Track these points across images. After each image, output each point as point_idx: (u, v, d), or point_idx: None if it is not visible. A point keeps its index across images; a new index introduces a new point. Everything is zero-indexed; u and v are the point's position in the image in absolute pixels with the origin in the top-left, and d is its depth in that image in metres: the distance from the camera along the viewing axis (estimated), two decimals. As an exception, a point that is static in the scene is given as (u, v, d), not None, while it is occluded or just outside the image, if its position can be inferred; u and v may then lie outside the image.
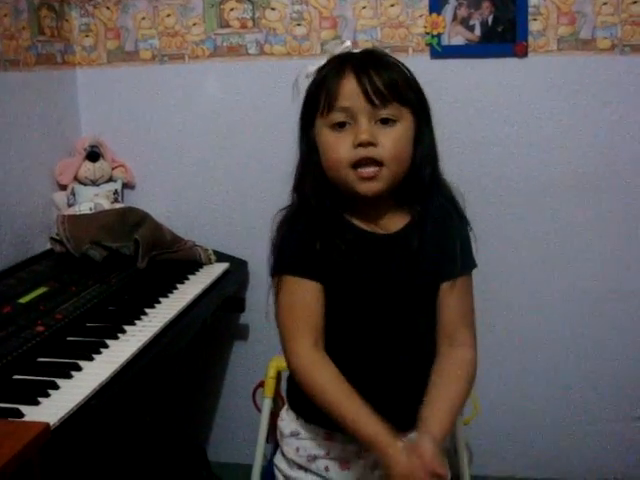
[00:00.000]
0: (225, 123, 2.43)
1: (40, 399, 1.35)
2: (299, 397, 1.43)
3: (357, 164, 1.27)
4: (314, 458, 1.41)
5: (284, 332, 1.35)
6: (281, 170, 2.37)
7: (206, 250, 2.34)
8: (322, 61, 1.36)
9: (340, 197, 1.34)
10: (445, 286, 1.36)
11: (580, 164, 2.30)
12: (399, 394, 1.34)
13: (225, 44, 2.39)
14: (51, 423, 1.24)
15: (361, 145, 1.26)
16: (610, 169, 2.29)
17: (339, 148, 1.28)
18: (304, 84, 1.38)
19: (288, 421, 1.47)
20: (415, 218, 1.35)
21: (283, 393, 2.31)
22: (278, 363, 2.21)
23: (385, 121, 1.28)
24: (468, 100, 2.26)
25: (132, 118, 2.48)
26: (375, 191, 1.29)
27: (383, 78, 1.27)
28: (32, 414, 1.29)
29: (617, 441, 2.49)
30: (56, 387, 1.41)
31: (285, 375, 2.25)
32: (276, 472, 1.49)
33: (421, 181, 1.33)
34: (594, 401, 2.47)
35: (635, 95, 2.23)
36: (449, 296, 1.36)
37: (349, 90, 1.27)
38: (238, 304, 2.41)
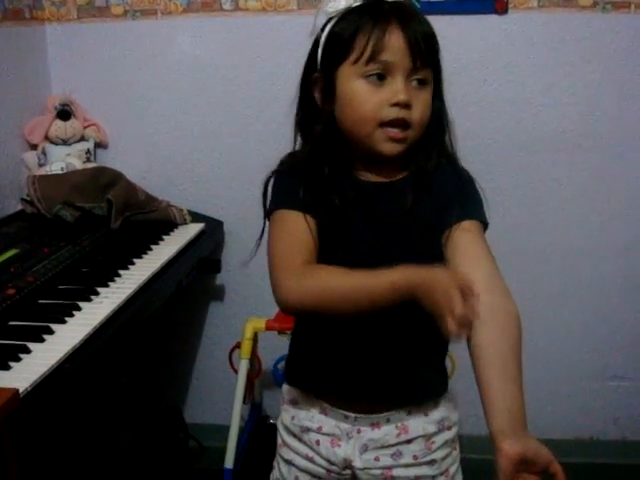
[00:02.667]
0: (199, 80, 2.39)
1: (11, 364, 1.32)
2: (295, 365, 1.42)
3: (386, 123, 1.21)
4: (307, 430, 1.39)
5: (272, 262, 1.24)
6: (257, 128, 2.37)
7: (181, 210, 2.31)
8: (343, 1, 1.24)
9: (346, 150, 1.28)
10: (458, 229, 1.24)
11: (560, 122, 2.28)
12: (387, 355, 1.30)
13: (199, -1, 2.33)
14: (23, 388, 1.22)
15: (398, 105, 1.19)
16: (590, 127, 2.28)
17: (372, 103, 1.20)
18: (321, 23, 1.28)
19: (289, 387, 1.44)
20: (413, 171, 1.29)
21: (260, 354, 2.32)
22: (255, 324, 2.20)
23: (420, 82, 1.22)
24: (447, 58, 2.21)
25: (104, 76, 2.43)
26: (397, 152, 1.23)
27: (426, 34, 1.22)
28: (3, 379, 1.26)
29: (593, 400, 2.51)
30: (28, 351, 1.38)
31: (261, 336, 2.26)
32: (277, 433, 1.48)
33: (426, 142, 1.27)
34: (570, 361, 2.50)
35: (616, 53, 2.21)
36: (471, 235, 1.25)
37: (395, 43, 1.18)
38: (214, 265, 2.39)
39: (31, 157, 2.33)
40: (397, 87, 1.19)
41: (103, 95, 2.44)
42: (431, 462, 1.37)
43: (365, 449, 1.35)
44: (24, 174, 2.28)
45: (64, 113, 2.35)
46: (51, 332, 1.46)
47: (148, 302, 1.78)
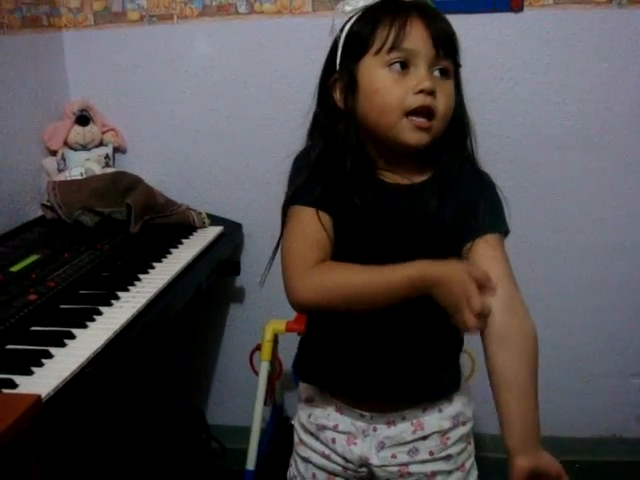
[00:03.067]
0: (216, 84, 2.40)
1: (34, 369, 1.33)
2: (309, 363, 1.42)
3: (411, 112, 1.20)
4: (323, 428, 1.40)
5: (286, 260, 1.24)
6: (274, 131, 2.37)
7: (200, 213, 2.32)
8: (362, 2, 1.26)
9: (367, 150, 1.28)
10: (480, 243, 1.23)
11: (576, 120, 2.26)
12: (401, 353, 1.31)
13: (214, 3, 2.33)
14: (46, 393, 1.23)
15: (423, 92, 1.18)
16: (606, 125, 2.26)
17: (396, 92, 1.20)
18: (339, 23, 1.29)
19: (306, 386, 1.45)
20: (436, 173, 1.28)
21: (280, 356, 2.32)
22: (275, 326, 2.20)
23: (443, 72, 1.23)
24: (463, 57, 2.22)
25: (121, 81, 2.44)
26: (424, 143, 1.22)
27: (446, 29, 1.23)
28: (26, 384, 1.28)
29: (615, 398, 2.50)
30: (50, 356, 1.39)
31: (282, 337, 2.26)
32: (294, 432, 1.50)
33: (448, 142, 1.27)
34: (592, 358, 2.48)
35: (632, 50, 2.19)
36: (492, 250, 1.23)
37: (417, 33, 1.19)
38: (233, 267, 2.40)
39: (50, 163, 2.34)
40: (421, 74, 1.20)
41: (121, 100, 2.46)
42: (447, 457, 1.38)
43: (382, 447, 1.36)
44: (44, 180, 2.29)
45: (83, 119, 2.36)
46: (73, 337, 1.48)
47: (168, 306, 1.79)
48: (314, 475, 1.45)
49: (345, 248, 1.26)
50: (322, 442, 1.41)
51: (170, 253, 2.05)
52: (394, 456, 1.37)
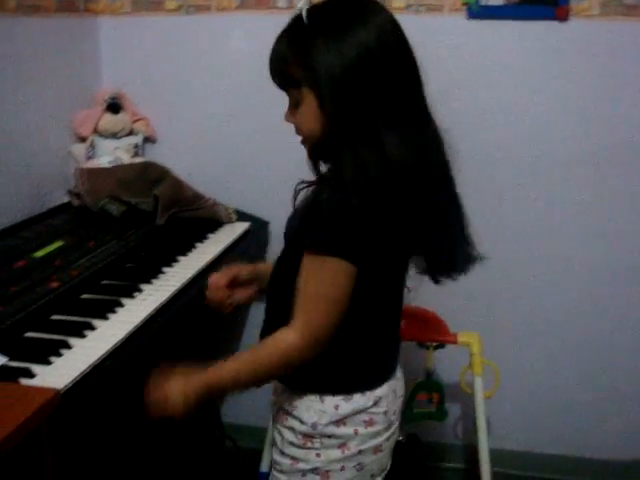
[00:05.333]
0: (251, 78, 2.34)
1: (52, 359, 1.32)
2: None
3: None
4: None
5: None
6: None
7: (227, 209, 2.29)
8: None
9: None
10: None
11: (622, 134, 2.20)
12: None
13: (253, -4, 2.31)
14: (63, 384, 1.22)
15: None
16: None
17: None
18: None
19: None
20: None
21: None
22: (296, 326, 2.17)
23: (291, 102, 1.33)
24: (505, 64, 2.17)
25: (155, 70, 2.42)
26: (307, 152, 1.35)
27: (272, 61, 1.35)
28: (44, 374, 1.26)
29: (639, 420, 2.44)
30: (69, 347, 1.37)
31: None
32: None
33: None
34: (617, 379, 2.42)
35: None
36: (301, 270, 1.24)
37: None
38: (258, 265, 2.36)
39: (79, 150, 2.32)
40: None
41: (153, 90, 2.43)
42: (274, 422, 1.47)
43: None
44: (72, 166, 2.27)
45: (115, 106, 2.34)
46: (93, 328, 1.46)
47: (191, 301, 1.76)
48: None
49: None
50: None
51: (195, 247, 2.02)
52: (275, 403, 1.48)
